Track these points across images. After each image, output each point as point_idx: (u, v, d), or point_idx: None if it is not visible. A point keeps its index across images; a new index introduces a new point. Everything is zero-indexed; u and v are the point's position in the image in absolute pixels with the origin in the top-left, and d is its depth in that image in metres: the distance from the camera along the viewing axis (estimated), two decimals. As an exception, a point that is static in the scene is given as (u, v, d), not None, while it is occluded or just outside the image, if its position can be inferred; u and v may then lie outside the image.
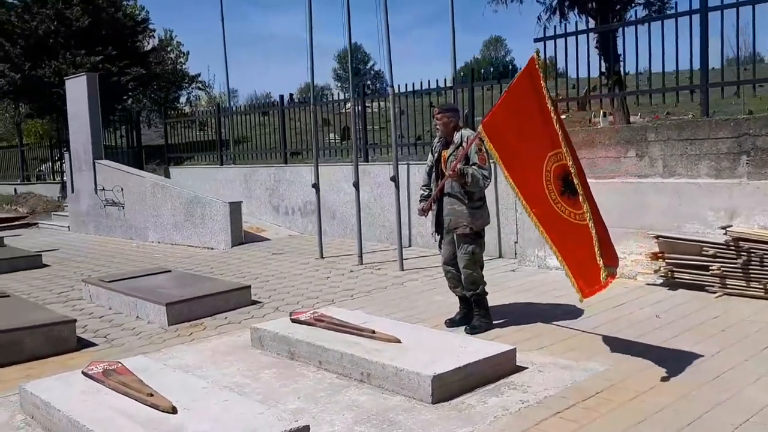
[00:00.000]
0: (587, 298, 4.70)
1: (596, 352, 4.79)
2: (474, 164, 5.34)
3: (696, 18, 7.24)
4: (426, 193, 5.75)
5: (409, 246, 9.73)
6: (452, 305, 5.91)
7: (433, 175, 5.68)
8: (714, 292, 6.14)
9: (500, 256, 8.64)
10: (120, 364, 4.65)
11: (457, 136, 5.50)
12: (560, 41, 8.29)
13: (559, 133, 4.58)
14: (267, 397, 4.21)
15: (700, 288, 6.27)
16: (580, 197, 4.52)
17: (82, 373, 4.53)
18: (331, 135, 13.78)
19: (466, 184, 5.35)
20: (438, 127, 5.62)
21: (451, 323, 5.66)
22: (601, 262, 4.37)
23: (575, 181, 4.53)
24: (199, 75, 31.24)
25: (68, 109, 14.73)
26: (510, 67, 14.12)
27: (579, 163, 4.75)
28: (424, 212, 5.67)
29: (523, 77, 4.84)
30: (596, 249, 4.41)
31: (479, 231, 5.53)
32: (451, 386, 4.04)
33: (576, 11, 14.38)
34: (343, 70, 64.07)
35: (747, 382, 4.04)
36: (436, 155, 5.64)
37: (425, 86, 10.20)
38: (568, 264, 4.73)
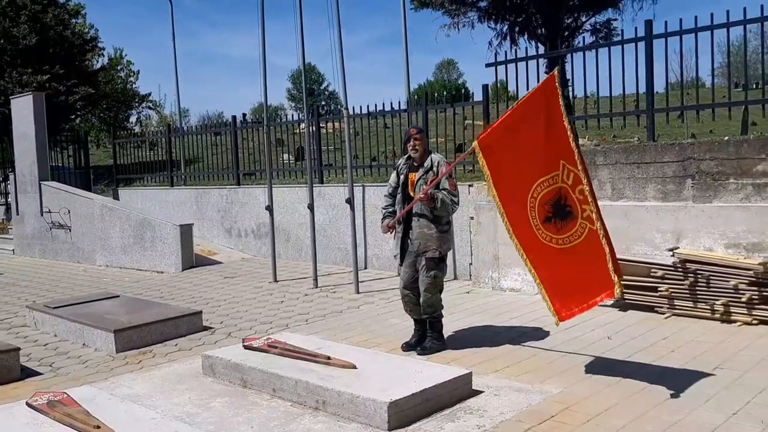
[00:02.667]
0: (564, 321, 4.89)
1: (551, 374, 4.82)
2: (444, 189, 5.38)
3: (641, 45, 7.47)
4: (391, 210, 5.73)
5: (365, 268, 9.70)
6: (408, 328, 5.89)
7: (399, 197, 5.66)
8: (663, 313, 6.27)
9: (455, 278, 8.68)
10: (65, 395, 4.51)
11: (427, 160, 5.54)
12: (511, 66, 8.46)
13: (575, 151, 4.52)
14: (219, 427, 4.11)
15: (650, 309, 6.40)
16: (594, 214, 4.51)
17: (26, 404, 4.39)
18: (285, 155, 13.70)
19: (435, 209, 5.38)
20: (417, 148, 5.55)
21: (408, 347, 5.65)
22: (616, 278, 4.45)
23: (589, 199, 4.51)
24: (150, 94, 30.90)
25: (14, 130, 14.33)
26: (462, 90, 14.33)
27: (590, 180, 4.63)
28: (389, 229, 5.65)
29: (537, 94, 4.74)
30: (608, 263, 4.47)
31: (444, 255, 5.56)
32: (407, 412, 4.01)
33: (526, 37, 14.72)
34: (297, 90, 63.93)
35: (698, 403, 4.11)
36: (402, 177, 5.64)
37: (380, 108, 10.25)
38: (545, 286, 4.84)
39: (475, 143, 4.99)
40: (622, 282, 4.51)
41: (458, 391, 4.37)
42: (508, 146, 4.87)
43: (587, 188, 4.52)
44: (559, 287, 4.82)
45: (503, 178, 4.92)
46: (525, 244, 4.88)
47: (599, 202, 6.98)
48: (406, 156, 5.71)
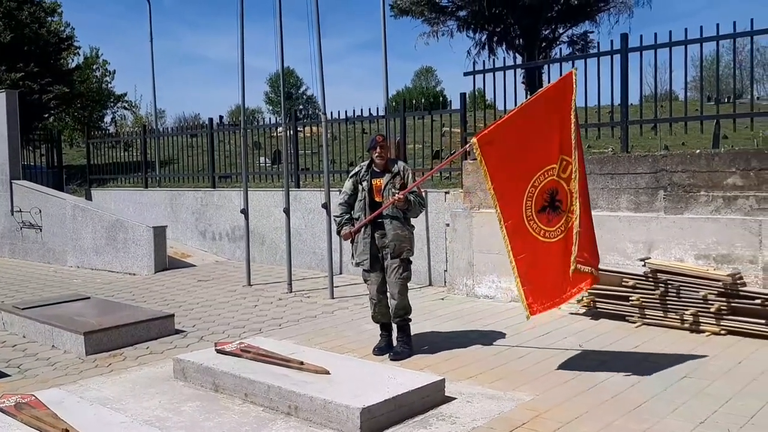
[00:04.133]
0: (534, 315, 5.14)
1: (523, 381, 4.86)
2: (412, 193, 5.47)
3: (617, 57, 7.57)
4: (347, 218, 5.72)
5: (340, 273, 9.68)
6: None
7: (361, 203, 5.65)
8: (634, 322, 6.35)
9: (430, 284, 8.71)
10: (33, 397, 4.44)
11: (395, 166, 5.61)
12: (489, 75, 8.51)
13: (574, 141, 4.80)
14: (189, 431, 4.08)
15: (621, 318, 6.47)
16: (576, 202, 4.80)
17: (-8, 407, 4.30)
18: (262, 159, 13.64)
19: (408, 210, 5.50)
20: (383, 155, 5.62)
21: (380, 351, 5.70)
22: (573, 255, 4.77)
23: (573, 190, 4.81)
24: (126, 94, 30.67)
25: (-16, 127, 14.08)
26: (441, 98, 14.42)
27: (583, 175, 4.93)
28: (351, 235, 5.66)
29: (551, 90, 4.99)
30: (573, 245, 4.79)
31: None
32: (380, 419, 4.01)
33: (504, 47, 14.86)
34: (275, 93, 63.68)
35: (666, 412, 4.17)
36: (366, 184, 5.65)
37: (358, 114, 10.27)
38: (522, 281, 5.05)
39: (473, 140, 5.11)
40: (583, 266, 4.83)
41: (431, 398, 4.38)
42: (513, 140, 5.03)
43: (578, 184, 4.80)
44: (536, 283, 5.05)
45: (501, 172, 5.07)
46: (512, 235, 5.06)
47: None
48: (366, 163, 5.73)
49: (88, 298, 7.90)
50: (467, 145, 5.35)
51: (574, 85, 4.93)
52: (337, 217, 5.79)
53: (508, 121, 5.12)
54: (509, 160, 5.07)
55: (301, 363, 4.76)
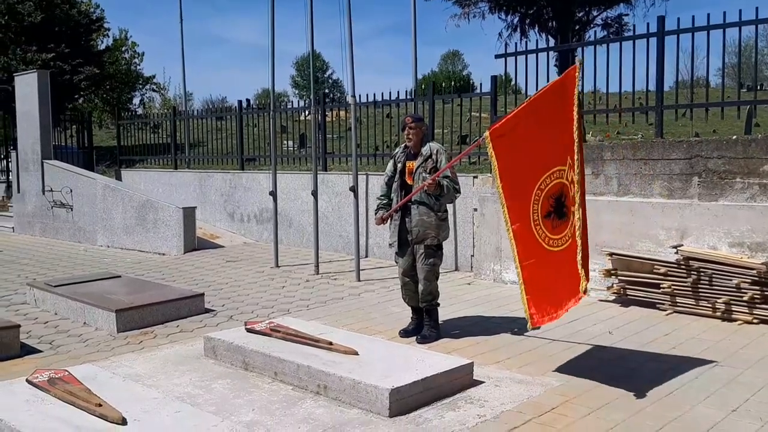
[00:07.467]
0: (536, 327, 4.77)
1: (551, 367, 4.83)
2: (446, 178, 5.40)
3: (653, 41, 7.42)
4: (385, 202, 5.74)
5: (366, 257, 9.69)
6: (409, 317, 5.89)
7: (395, 185, 5.67)
8: (664, 310, 6.27)
9: (456, 269, 8.68)
10: (67, 373, 4.51)
11: (426, 148, 5.54)
12: (520, 58, 8.41)
13: (576, 142, 4.44)
14: (220, 408, 4.12)
15: (652, 305, 6.40)
16: (575, 213, 4.41)
17: (27, 381, 4.38)
18: (288, 142, 13.66)
19: (441, 196, 5.43)
20: (410, 137, 5.58)
21: (405, 333, 5.70)
22: (583, 273, 4.33)
23: (574, 195, 4.43)
24: (154, 76, 30.84)
25: (17, 107, 14.26)
26: (471, 81, 14.29)
27: (583, 179, 4.60)
28: (383, 221, 5.67)
29: (557, 85, 4.72)
30: (578, 262, 4.35)
31: (441, 243, 5.59)
32: (408, 400, 4.01)
33: (536, 29, 14.65)
34: (302, 77, 63.62)
35: (697, 399, 4.12)
36: (400, 165, 5.64)
37: (386, 97, 10.21)
38: (527, 289, 4.73)
39: (486, 133, 4.88)
40: (587, 279, 4.39)
41: (459, 381, 4.38)
42: (522, 136, 4.78)
43: (577, 188, 4.43)
44: (539, 293, 4.72)
45: (511, 170, 4.82)
46: (519, 240, 4.75)
47: (605, 197, 7.04)
48: (403, 144, 5.72)
49: (119, 276, 8.00)
50: (480, 138, 5.13)
51: (577, 80, 4.59)
52: (378, 198, 5.84)
53: (517, 115, 4.79)
54: (518, 158, 4.78)
55: (330, 343, 4.78)
